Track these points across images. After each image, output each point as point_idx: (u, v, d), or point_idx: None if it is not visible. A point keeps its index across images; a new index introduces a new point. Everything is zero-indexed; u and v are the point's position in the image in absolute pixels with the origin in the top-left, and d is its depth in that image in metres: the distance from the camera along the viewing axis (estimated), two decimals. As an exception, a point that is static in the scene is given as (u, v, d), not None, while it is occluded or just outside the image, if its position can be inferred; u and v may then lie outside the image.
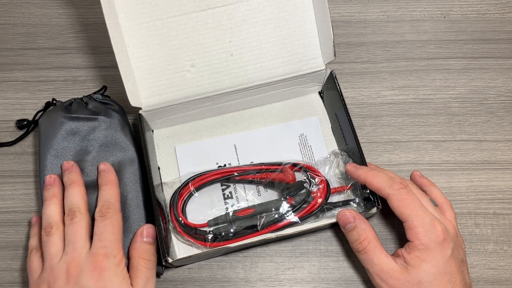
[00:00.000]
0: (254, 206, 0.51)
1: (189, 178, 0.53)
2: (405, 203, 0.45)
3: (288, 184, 0.52)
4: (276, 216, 0.50)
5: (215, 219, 0.51)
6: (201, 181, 0.53)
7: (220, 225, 0.51)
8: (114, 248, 0.44)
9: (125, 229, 0.49)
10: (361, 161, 0.50)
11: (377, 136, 0.59)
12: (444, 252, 0.44)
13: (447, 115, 0.60)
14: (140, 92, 0.54)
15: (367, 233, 0.46)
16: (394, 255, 0.47)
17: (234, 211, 0.51)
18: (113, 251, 0.44)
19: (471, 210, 0.55)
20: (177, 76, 0.54)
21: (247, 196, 0.54)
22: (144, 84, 0.54)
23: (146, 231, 0.47)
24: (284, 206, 0.50)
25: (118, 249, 0.44)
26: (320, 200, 0.50)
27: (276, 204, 0.51)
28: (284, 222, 0.49)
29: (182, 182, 0.53)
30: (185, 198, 0.52)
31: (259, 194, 0.54)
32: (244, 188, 0.54)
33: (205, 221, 0.51)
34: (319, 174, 0.52)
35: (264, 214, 0.50)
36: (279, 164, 0.53)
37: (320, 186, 0.51)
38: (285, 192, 0.51)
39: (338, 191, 0.53)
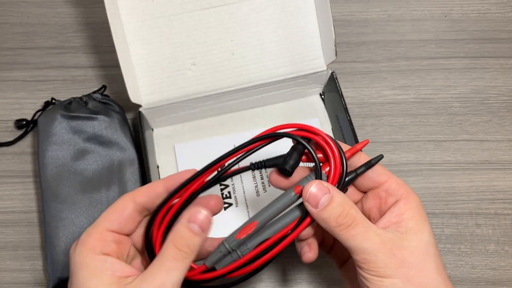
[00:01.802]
0: (256, 216, 0.37)
1: (168, 196, 0.36)
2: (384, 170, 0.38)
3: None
4: (288, 219, 0.36)
5: (212, 256, 0.37)
6: (187, 191, 0.37)
7: (222, 261, 0.37)
8: None
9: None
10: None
11: (378, 136, 0.59)
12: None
13: (448, 115, 0.60)
14: (141, 89, 0.54)
15: (348, 201, 0.35)
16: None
17: (232, 235, 0.36)
18: None
19: (472, 210, 0.55)
20: (178, 74, 0.54)
21: (246, 195, 0.53)
22: (144, 82, 0.54)
23: (196, 217, 0.34)
24: (293, 198, 0.37)
25: None
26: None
27: (284, 200, 0.37)
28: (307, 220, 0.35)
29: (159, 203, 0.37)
30: (166, 226, 0.37)
31: (257, 195, 0.53)
32: (243, 189, 0.54)
33: None
34: (319, 134, 0.37)
35: (273, 221, 0.37)
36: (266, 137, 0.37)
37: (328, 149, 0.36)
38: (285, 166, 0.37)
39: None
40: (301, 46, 0.56)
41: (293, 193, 0.36)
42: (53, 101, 0.56)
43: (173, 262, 0.33)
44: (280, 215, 0.37)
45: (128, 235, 0.37)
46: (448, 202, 0.56)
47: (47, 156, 0.52)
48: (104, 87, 0.58)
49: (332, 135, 0.57)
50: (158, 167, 0.56)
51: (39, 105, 0.60)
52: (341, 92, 0.54)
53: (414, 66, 0.63)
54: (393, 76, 0.62)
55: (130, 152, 0.53)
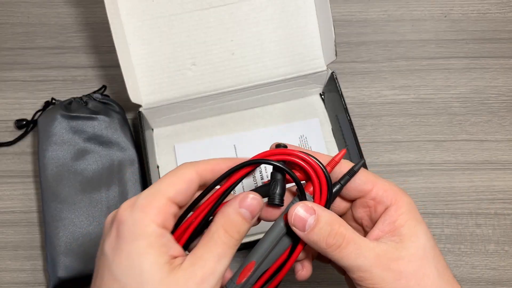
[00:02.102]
0: (252, 255, 0.34)
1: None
2: (367, 173, 0.36)
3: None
4: (282, 247, 0.35)
5: None
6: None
7: None
8: None
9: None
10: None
11: (378, 136, 0.59)
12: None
13: (448, 115, 0.60)
14: (141, 89, 0.54)
15: (336, 219, 0.33)
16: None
17: (233, 280, 0.34)
18: None
19: (472, 210, 0.55)
20: (178, 74, 0.54)
21: None
22: (144, 82, 0.54)
23: (247, 202, 0.32)
24: (284, 228, 0.34)
25: None
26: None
27: (275, 232, 0.34)
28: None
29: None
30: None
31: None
32: (243, 189, 0.54)
33: None
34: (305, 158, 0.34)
35: (269, 255, 0.35)
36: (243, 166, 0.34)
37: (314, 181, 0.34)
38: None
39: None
40: (301, 46, 0.56)
41: (282, 223, 0.34)
42: (53, 101, 0.56)
43: (223, 249, 0.31)
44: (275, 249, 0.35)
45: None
46: (448, 202, 0.56)
47: (47, 156, 0.52)
48: (104, 87, 0.58)
49: (332, 135, 0.57)
50: (158, 167, 0.56)
51: (39, 105, 0.60)
52: (341, 92, 0.54)
53: (414, 66, 0.63)
54: (393, 76, 0.62)
55: (130, 152, 0.53)
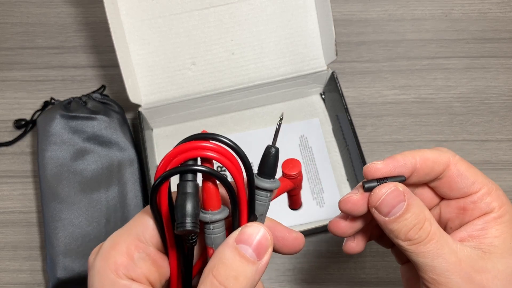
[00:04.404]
0: None
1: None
2: (470, 164, 0.31)
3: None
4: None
5: None
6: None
7: None
8: None
9: (124, 229, 0.49)
10: (362, 164, 0.50)
11: (378, 136, 0.59)
12: None
13: (449, 115, 0.60)
14: (140, 89, 0.54)
15: (425, 211, 0.29)
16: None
17: None
18: None
19: (473, 210, 0.55)
20: (178, 74, 0.54)
21: None
22: (144, 81, 0.54)
23: (247, 235, 0.25)
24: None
25: None
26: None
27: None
28: None
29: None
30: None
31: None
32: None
33: None
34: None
35: None
36: None
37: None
38: None
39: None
40: (301, 46, 0.55)
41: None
42: (53, 101, 0.56)
43: None
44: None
45: None
46: (449, 202, 0.55)
47: (47, 156, 0.52)
48: (103, 87, 0.58)
49: (332, 135, 0.57)
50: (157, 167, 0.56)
51: (38, 105, 0.59)
52: (342, 92, 0.54)
53: (415, 66, 0.63)
54: (393, 76, 0.62)
55: (130, 152, 0.53)
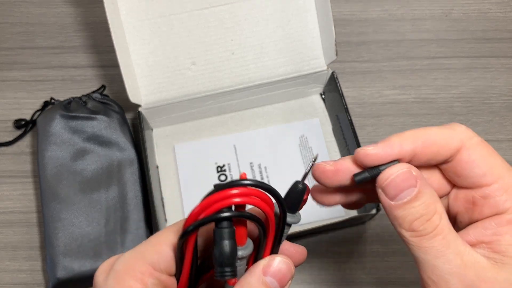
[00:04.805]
0: None
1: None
2: (490, 151, 0.27)
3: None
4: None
5: None
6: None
7: None
8: None
9: (123, 229, 0.49)
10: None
11: (379, 136, 0.59)
12: None
13: (449, 115, 0.60)
14: (140, 89, 0.54)
15: (437, 203, 0.26)
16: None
17: None
18: None
19: (473, 210, 0.55)
20: (178, 74, 0.54)
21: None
22: (144, 81, 0.53)
23: (273, 267, 0.26)
24: None
25: None
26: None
27: None
28: None
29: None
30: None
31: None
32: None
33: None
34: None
35: None
36: None
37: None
38: None
39: None
40: (301, 46, 0.55)
41: None
42: (52, 101, 0.56)
43: None
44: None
45: None
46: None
47: (47, 156, 0.52)
48: (103, 87, 0.58)
49: (332, 135, 0.57)
50: (157, 167, 0.55)
51: (38, 105, 0.59)
52: (342, 92, 0.54)
53: (415, 66, 0.63)
54: (393, 76, 0.62)
55: (130, 152, 0.53)
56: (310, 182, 0.27)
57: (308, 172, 0.28)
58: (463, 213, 0.28)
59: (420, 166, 0.27)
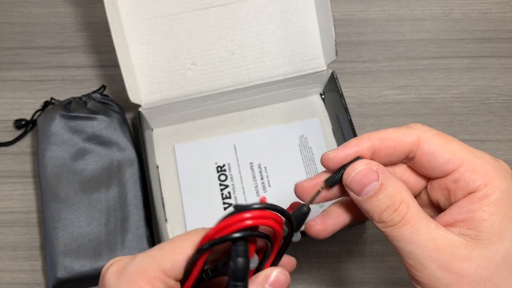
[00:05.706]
0: None
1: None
2: (448, 139, 0.29)
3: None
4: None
5: None
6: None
7: None
8: None
9: (123, 229, 0.49)
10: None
11: (378, 136, 0.59)
12: None
13: (449, 115, 0.60)
14: (140, 89, 0.54)
15: (402, 192, 0.27)
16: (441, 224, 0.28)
17: None
18: None
19: (473, 210, 0.55)
20: (178, 74, 0.54)
21: (246, 195, 0.53)
22: (144, 81, 0.54)
23: (275, 278, 0.28)
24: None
25: None
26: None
27: None
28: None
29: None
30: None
31: (257, 195, 0.53)
32: (243, 189, 0.54)
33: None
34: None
35: None
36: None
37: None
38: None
39: None
40: (301, 46, 0.55)
41: None
42: (53, 101, 0.56)
43: None
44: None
45: None
46: (449, 202, 0.55)
47: (47, 156, 0.52)
48: (103, 87, 0.58)
49: (332, 135, 0.57)
50: (157, 167, 0.56)
51: (38, 105, 0.59)
52: (341, 92, 0.54)
53: (415, 66, 0.63)
54: (393, 76, 0.62)
55: (130, 152, 0.53)
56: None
57: (316, 195, 0.31)
58: (444, 200, 0.29)
59: (385, 164, 0.29)
